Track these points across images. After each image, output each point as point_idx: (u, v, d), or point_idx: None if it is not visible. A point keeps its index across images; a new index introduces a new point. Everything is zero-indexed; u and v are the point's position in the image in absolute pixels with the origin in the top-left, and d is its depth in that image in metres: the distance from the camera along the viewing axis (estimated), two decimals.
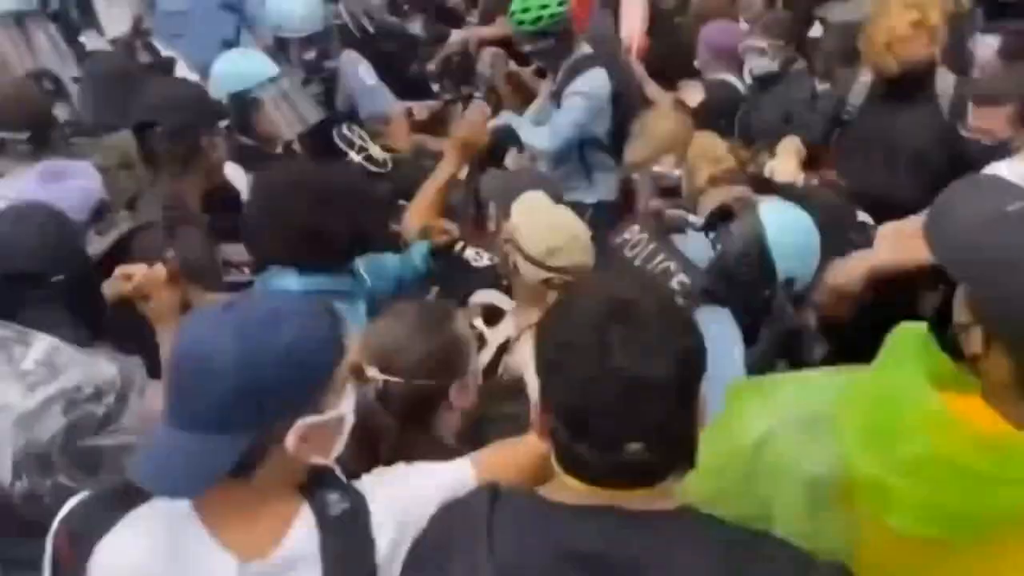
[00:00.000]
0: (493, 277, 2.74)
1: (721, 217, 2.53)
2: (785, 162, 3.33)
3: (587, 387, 1.20)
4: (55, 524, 1.40)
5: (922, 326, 1.41)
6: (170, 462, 1.30)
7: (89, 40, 4.55)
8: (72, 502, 1.42)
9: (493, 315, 2.59)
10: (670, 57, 4.90)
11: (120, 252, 2.56)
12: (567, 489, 1.27)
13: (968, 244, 1.36)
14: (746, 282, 2.32)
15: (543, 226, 2.47)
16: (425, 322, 1.89)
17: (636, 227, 2.58)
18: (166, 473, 1.30)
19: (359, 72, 4.68)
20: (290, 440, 1.30)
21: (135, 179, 3.05)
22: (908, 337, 1.41)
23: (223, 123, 3.16)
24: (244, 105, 3.61)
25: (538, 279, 2.45)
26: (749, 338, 2.33)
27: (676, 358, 1.21)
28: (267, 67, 3.75)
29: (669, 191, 3.00)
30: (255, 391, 1.27)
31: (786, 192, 2.84)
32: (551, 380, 1.25)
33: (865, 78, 3.46)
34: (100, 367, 2.07)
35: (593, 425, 1.21)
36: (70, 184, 2.75)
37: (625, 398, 1.19)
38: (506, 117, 4.36)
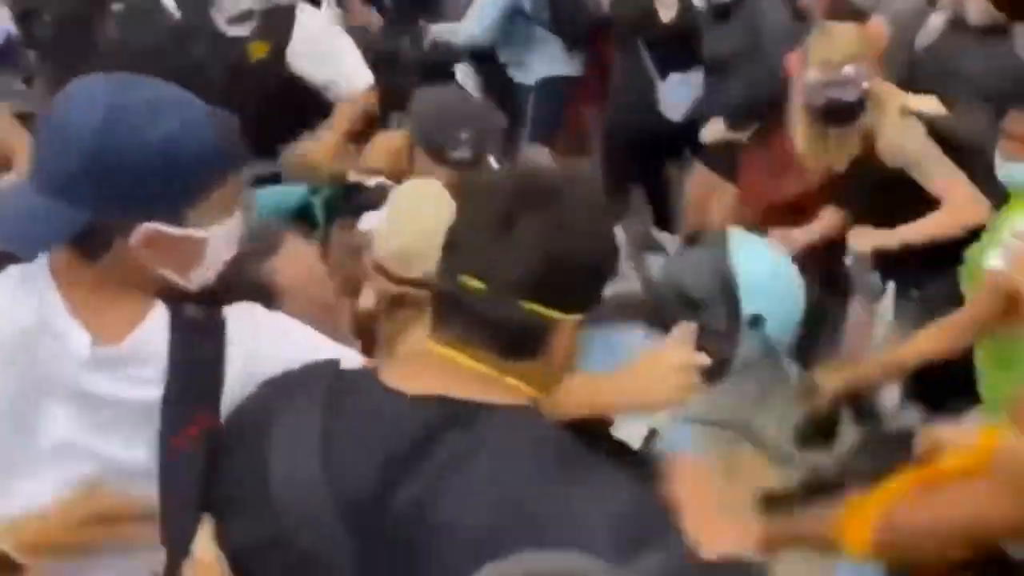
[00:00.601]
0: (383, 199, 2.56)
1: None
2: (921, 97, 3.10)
3: (466, 207, 1.21)
4: None
5: None
6: (14, 217, 1.28)
7: None
8: None
9: None
10: None
11: None
12: (412, 363, 1.23)
13: None
14: (699, 309, 2.02)
15: (402, 222, 2.03)
16: None
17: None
18: (7, 227, 1.28)
19: None
20: (135, 238, 1.25)
21: None
22: None
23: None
24: None
25: (387, 294, 2.00)
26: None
27: (563, 230, 1.15)
28: None
29: (837, 109, 2.88)
30: (105, 171, 1.22)
31: (941, 125, 2.78)
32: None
33: (937, 20, 3.38)
34: None
35: (456, 247, 1.19)
36: None
37: (496, 226, 1.15)
38: (437, 29, 4.33)
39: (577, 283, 1.18)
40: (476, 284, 1.14)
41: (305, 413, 1.17)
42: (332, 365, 1.25)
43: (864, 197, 3.00)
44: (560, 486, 1.09)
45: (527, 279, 1.14)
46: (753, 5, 3.98)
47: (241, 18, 3.22)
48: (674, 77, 4.25)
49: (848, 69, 2.87)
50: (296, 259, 1.71)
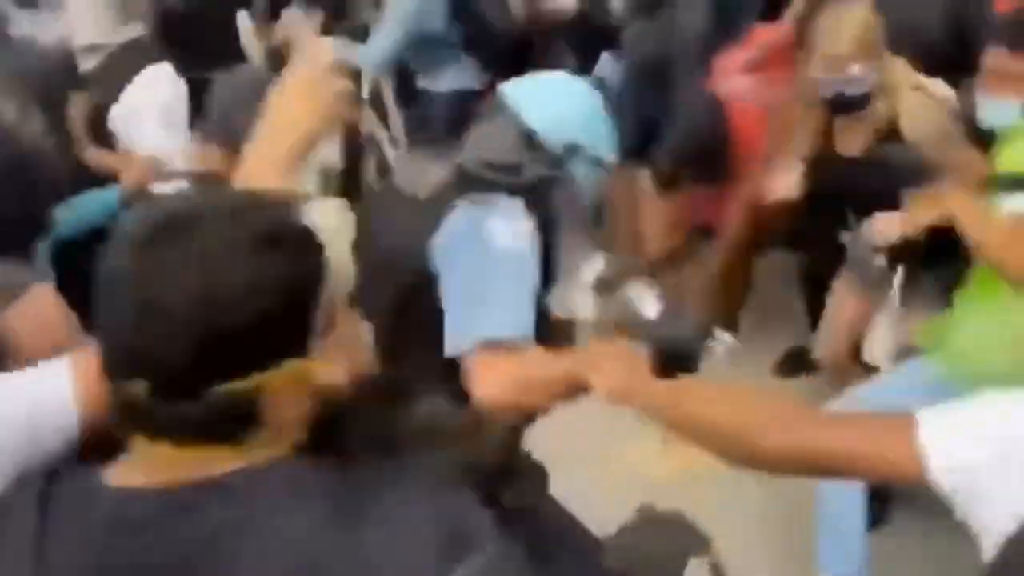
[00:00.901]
0: None
1: None
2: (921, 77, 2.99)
3: (105, 298, 1.00)
4: None
5: None
6: None
7: None
8: None
9: None
10: None
11: None
12: (137, 454, 1.05)
13: None
14: (519, 171, 2.02)
15: None
16: None
17: None
18: None
19: None
20: None
21: None
22: None
23: None
24: None
25: None
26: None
27: (211, 291, 0.96)
28: None
29: (844, 102, 2.83)
30: None
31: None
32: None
33: None
34: None
35: (108, 348, 1.01)
36: None
37: (136, 321, 0.97)
38: (336, 45, 3.98)
39: (267, 334, 1.00)
40: (143, 388, 0.97)
41: (14, 542, 1.01)
42: (42, 479, 1.07)
43: (879, 181, 2.84)
44: (350, 533, 0.97)
45: (200, 367, 0.97)
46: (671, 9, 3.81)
47: (91, 49, 3.00)
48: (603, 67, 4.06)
49: (854, 69, 2.79)
50: (34, 311, 1.59)
